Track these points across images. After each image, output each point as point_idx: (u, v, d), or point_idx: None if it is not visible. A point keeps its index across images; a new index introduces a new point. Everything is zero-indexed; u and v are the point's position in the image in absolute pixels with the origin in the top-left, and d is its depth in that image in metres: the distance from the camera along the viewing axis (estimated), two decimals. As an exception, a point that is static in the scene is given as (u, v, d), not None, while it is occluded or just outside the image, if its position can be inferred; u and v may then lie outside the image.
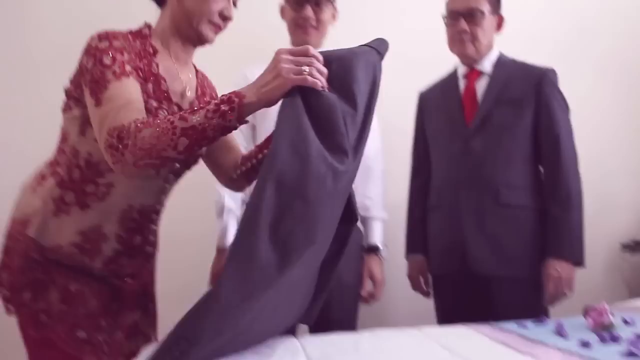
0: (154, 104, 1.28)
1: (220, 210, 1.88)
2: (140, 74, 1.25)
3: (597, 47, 2.75)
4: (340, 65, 1.10)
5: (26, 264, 1.27)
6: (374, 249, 1.99)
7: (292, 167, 0.99)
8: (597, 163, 2.54)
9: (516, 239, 1.83)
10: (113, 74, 1.18)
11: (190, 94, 1.38)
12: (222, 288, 0.93)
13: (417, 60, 2.45)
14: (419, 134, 2.13)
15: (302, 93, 1.06)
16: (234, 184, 1.48)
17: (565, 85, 1.92)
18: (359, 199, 1.91)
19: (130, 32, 1.31)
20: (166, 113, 1.29)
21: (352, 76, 1.10)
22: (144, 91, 1.25)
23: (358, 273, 1.94)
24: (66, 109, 1.32)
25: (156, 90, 1.28)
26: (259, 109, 1.13)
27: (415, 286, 2.08)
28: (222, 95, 1.13)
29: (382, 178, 2.05)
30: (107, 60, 1.19)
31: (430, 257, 2.02)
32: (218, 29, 1.33)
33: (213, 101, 1.12)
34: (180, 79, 1.36)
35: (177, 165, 1.36)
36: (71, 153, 1.30)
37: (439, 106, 2.05)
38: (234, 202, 1.88)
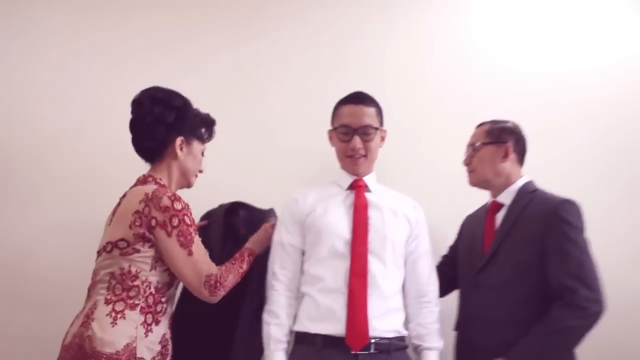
0: None
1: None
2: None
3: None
4: None
5: None
6: None
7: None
8: None
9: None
10: (194, 230, 1.72)
11: None
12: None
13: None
14: (448, 257, 2.12)
15: None
16: None
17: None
18: (412, 327, 1.84)
19: (163, 185, 1.77)
20: None
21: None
22: None
23: None
24: (131, 252, 1.66)
25: None
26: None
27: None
28: (244, 250, 1.85)
29: (438, 304, 1.90)
30: (188, 220, 1.70)
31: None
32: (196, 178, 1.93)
33: (245, 255, 1.83)
34: None
35: None
36: (144, 285, 1.67)
37: (468, 234, 2.04)
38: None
